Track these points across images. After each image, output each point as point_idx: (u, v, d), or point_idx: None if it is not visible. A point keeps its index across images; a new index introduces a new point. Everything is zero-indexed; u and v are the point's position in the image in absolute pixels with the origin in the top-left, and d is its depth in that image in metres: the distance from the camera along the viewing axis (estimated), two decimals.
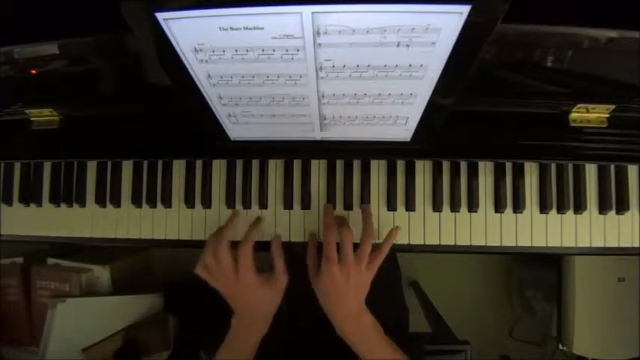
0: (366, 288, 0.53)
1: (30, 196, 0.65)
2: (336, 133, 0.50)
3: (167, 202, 0.61)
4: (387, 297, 0.53)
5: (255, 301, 0.54)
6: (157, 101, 0.56)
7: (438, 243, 0.58)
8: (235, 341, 0.54)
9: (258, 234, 0.58)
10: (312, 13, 0.31)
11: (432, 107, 0.43)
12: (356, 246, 0.52)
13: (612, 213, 0.57)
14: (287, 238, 0.60)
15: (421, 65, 0.37)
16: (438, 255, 1.28)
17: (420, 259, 1.33)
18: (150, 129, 0.58)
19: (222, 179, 0.61)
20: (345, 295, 0.51)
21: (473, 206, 0.58)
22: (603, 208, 0.57)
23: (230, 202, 0.60)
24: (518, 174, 0.58)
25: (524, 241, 0.58)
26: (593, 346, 0.95)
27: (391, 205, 0.59)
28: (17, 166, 0.66)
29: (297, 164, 0.60)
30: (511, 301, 1.31)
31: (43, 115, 0.61)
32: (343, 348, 0.52)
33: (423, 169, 0.59)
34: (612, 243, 0.57)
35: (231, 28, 0.33)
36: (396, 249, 0.57)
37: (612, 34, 0.41)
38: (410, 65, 0.37)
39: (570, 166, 0.58)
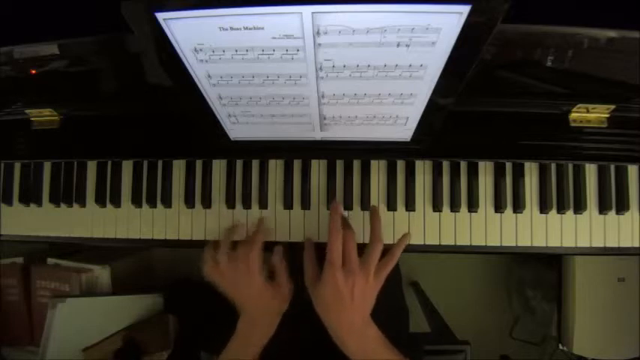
0: (372, 300, 0.49)
1: (30, 196, 0.65)
2: (336, 133, 0.50)
3: (167, 202, 0.61)
4: (387, 297, 0.52)
5: (262, 306, 0.53)
6: (157, 101, 0.56)
7: (438, 243, 0.58)
8: (240, 343, 0.53)
9: (265, 235, 0.56)
10: (312, 13, 0.31)
11: (431, 107, 0.43)
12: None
13: (612, 213, 0.57)
14: (287, 238, 0.60)
15: (421, 65, 0.37)
16: (438, 255, 1.28)
17: (420, 259, 1.33)
18: (150, 129, 0.58)
19: (222, 179, 0.61)
20: (349, 306, 0.47)
21: (473, 206, 0.58)
22: (603, 208, 0.57)
23: (230, 202, 0.60)
24: (518, 174, 0.58)
25: (524, 241, 0.58)
26: (593, 346, 0.95)
27: (391, 205, 0.59)
28: (17, 166, 0.66)
29: (297, 164, 0.60)
30: (511, 301, 1.31)
31: (43, 115, 0.61)
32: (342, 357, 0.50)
33: (423, 169, 0.59)
34: (612, 243, 0.57)
35: (232, 28, 0.33)
36: None
37: (612, 34, 0.41)
38: (410, 65, 0.37)
39: (570, 166, 0.58)
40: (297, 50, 0.36)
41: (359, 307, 0.47)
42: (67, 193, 0.64)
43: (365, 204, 0.59)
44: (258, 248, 0.53)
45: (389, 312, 0.53)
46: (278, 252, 0.55)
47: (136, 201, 0.62)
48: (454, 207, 0.58)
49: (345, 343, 0.48)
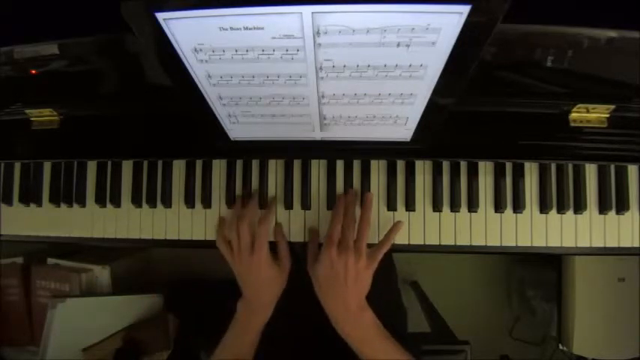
0: (366, 282, 0.52)
1: (30, 196, 0.65)
2: (336, 133, 0.50)
3: (167, 202, 0.61)
4: (384, 298, 0.53)
5: (263, 281, 0.54)
6: (157, 101, 0.55)
7: (438, 243, 0.58)
8: (240, 326, 0.55)
9: (274, 216, 0.59)
10: (312, 13, 0.31)
11: (432, 107, 0.43)
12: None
13: (612, 213, 0.57)
14: (287, 239, 0.59)
15: (421, 65, 0.37)
16: (438, 255, 1.28)
17: (420, 259, 1.33)
18: (150, 129, 0.58)
19: (222, 179, 0.61)
20: (343, 286, 0.50)
21: (473, 206, 0.58)
22: (603, 208, 0.57)
23: (230, 202, 0.60)
24: (518, 174, 0.58)
25: (524, 241, 0.58)
26: (593, 346, 0.95)
27: (391, 205, 0.59)
28: (17, 166, 0.66)
29: (297, 164, 0.60)
30: (511, 301, 1.31)
31: (43, 115, 0.61)
32: (344, 348, 0.52)
33: (423, 169, 0.59)
34: (612, 243, 0.57)
35: (231, 28, 0.33)
36: (396, 249, 0.57)
37: (612, 34, 0.41)
38: (410, 65, 0.37)
39: (570, 166, 0.58)
40: (297, 50, 0.36)
41: (353, 287, 0.50)
42: (67, 193, 0.64)
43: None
44: (267, 226, 0.55)
45: (386, 312, 0.54)
46: (279, 229, 0.58)
47: (136, 201, 0.62)
48: (454, 207, 0.58)
49: (343, 329, 0.51)
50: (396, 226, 0.56)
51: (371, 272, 0.52)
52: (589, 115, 0.54)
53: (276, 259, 0.56)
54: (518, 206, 0.57)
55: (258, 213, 0.58)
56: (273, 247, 0.57)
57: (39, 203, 0.65)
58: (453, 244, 0.58)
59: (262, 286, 0.55)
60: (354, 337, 0.51)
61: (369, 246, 0.54)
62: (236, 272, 0.55)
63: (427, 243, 0.58)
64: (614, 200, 0.57)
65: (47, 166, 0.65)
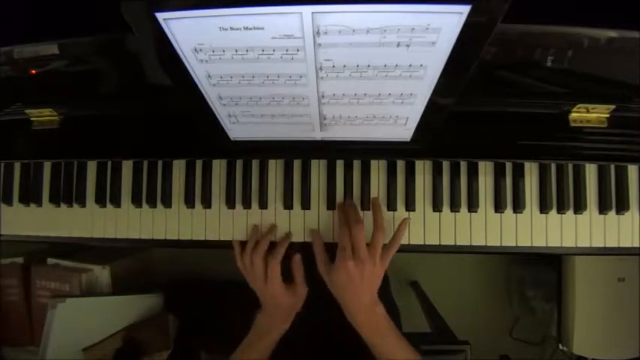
0: (379, 280, 0.54)
1: (30, 196, 0.65)
2: (336, 133, 0.50)
3: (167, 202, 0.61)
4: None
5: (279, 304, 0.58)
6: (157, 101, 0.56)
7: (438, 243, 0.58)
8: (258, 334, 0.58)
9: (285, 245, 0.59)
10: (312, 13, 0.31)
11: (432, 107, 0.43)
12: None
13: (612, 213, 0.57)
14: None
15: (421, 65, 0.37)
16: (438, 255, 1.28)
17: (420, 259, 1.33)
18: (150, 129, 0.58)
19: (222, 179, 0.61)
20: (360, 288, 0.53)
21: (473, 206, 0.58)
22: (603, 208, 0.57)
23: (230, 202, 0.60)
24: (518, 174, 0.58)
25: (524, 241, 0.58)
26: (593, 346, 0.95)
27: (391, 205, 0.59)
28: (17, 166, 0.66)
29: (297, 164, 0.60)
30: (511, 301, 1.31)
31: (43, 115, 0.61)
32: (354, 351, 0.54)
33: (423, 169, 0.59)
34: (612, 243, 0.57)
35: (232, 28, 0.33)
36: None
37: (612, 34, 0.42)
38: (410, 65, 0.37)
39: (570, 166, 0.58)
40: (297, 50, 0.36)
41: (367, 286, 0.53)
42: (67, 193, 0.64)
43: (365, 204, 0.59)
44: (278, 260, 0.57)
45: None
46: (297, 260, 0.59)
47: (136, 201, 0.62)
48: (454, 207, 0.58)
49: (357, 320, 0.54)
50: (402, 224, 0.57)
51: (383, 271, 0.55)
52: (589, 115, 0.54)
53: (291, 283, 0.58)
54: (518, 206, 0.57)
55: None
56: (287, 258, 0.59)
57: (39, 203, 0.65)
58: (453, 244, 0.58)
59: (278, 307, 0.58)
60: (367, 328, 0.53)
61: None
62: (257, 292, 0.58)
63: (427, 243, 0.58)
64: (614, 200, 0.57)
65: (47, 166, 0.65)
